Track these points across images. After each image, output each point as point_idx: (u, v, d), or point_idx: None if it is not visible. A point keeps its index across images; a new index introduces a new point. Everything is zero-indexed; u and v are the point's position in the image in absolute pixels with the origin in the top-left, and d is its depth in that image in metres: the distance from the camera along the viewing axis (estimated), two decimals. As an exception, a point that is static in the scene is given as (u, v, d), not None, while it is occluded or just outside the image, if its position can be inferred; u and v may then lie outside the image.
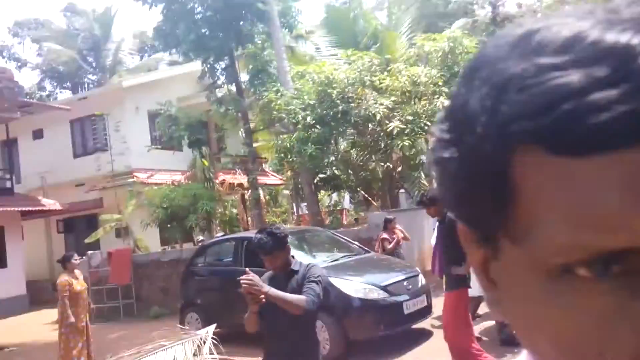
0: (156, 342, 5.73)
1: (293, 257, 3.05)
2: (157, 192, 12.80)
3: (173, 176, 15.72)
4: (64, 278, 7.13)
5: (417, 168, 14.15)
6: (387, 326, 6.19)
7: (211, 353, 5.63)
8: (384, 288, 6.31)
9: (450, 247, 5.00)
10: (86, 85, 28.06)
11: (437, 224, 5.29)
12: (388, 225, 8.22)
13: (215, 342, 5.75)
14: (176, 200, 12.05)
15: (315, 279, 2.89)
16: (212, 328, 6.07)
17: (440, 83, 10.82)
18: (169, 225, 12.91)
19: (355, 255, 7.61)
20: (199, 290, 8.10)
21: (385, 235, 8.13)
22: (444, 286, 5.24)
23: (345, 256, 7.49)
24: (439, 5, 24.97)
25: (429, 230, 9.28)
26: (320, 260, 7.22)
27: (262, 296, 2.69)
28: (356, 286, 6.30)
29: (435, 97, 10.72)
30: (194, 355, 5.51)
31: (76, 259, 7.48)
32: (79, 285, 7.31)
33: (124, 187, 14.07)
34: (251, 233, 8.53)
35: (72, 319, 6.99)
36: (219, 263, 8.21)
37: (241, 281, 2.66)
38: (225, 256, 8.29)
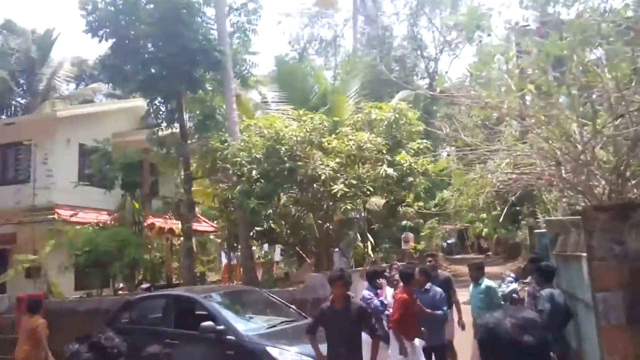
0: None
1: None
2: (80, 234, 11.91)
3: (99, 216, 14.78)
4: (42, 320, 7.97)
5: (351, 226, 14.31)
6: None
7: None
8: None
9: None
10: (13, 108, 26.19)
11: None
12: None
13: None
14: (101, 244, 11.22)
15: None
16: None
17: (384, 151, 11.14)
18: (87, 270, 11.96)
19: (293, 321, 7.37)
20: (119, 349, 7.47)
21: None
22: None
23: (283, 322, 7.23)
24: (382, 73, 26.30)
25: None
26: (258, 326, 6.95)
27: None
28: (293, 357, 6.07)
29: (379, 163, 10.99)
30: None
31: None
32: None
33: (43, 224, 12.98)
34: (183, 290, 8.13)
35: None
36: (146, 321, 7.64)
37: None
38: (153, 313, 7.75)
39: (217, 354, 6.45)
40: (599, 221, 3.82)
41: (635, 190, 4.25)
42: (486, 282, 6.94)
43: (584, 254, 4.08)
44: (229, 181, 11.62)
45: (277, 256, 23.14)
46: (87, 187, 15.16)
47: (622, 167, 4.10)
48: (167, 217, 16.49)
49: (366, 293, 5.82)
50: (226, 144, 11.34)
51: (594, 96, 4.84)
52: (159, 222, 16.41)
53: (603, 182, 4.37)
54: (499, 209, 7.19)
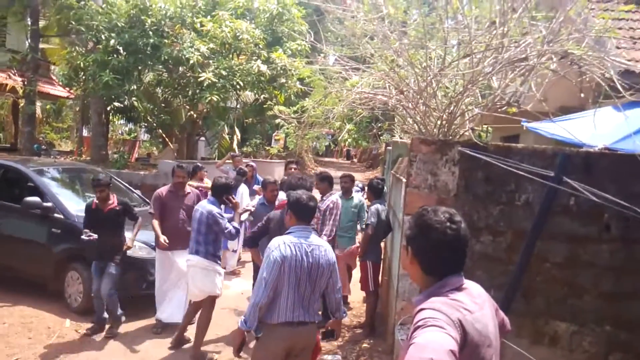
0: None
1: None
2: None
3: None
4: None
5: (224, 115, 13.91)
6: (150, 285, 6.02)
7: None
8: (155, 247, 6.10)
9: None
10: None
11: None
12: (197, 173, 7.54)
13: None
14: None
15: None
16: None
17: (261, 45, 10.68)
18: None
19: (134, 206, 7.15)
20: None
21: (192, 183, 7.62)
22: None
23: (121, 206, 6.98)
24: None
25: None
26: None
27: None
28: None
29: (253, 58, 10.57)
30: None
31: None
32: None
33: None
34: (11, 160, 7.35)
35: None
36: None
37: None
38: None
39: (43, 231, 6.11)
40: (421, 152, 4.10)
41: (460, 130, 4.60)
42: (358, 196, 6.57)
43: (404, 179, 4.42)
44: (84, 46, 10.38)
45: (143, 135, 22.09)
46: None
47: (452, 106, 4.37)
48: (13, 73, 14.55)
49: (215, 210, 4.93)
50: (82, 3, 9.91)
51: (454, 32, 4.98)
52: (1, 77, 14.44)
53: (437, 116, 4.64)
54: (349, 123, 7.36)
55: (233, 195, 5.34)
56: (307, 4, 16.15)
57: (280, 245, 3.11)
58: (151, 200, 5.52)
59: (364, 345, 4.85)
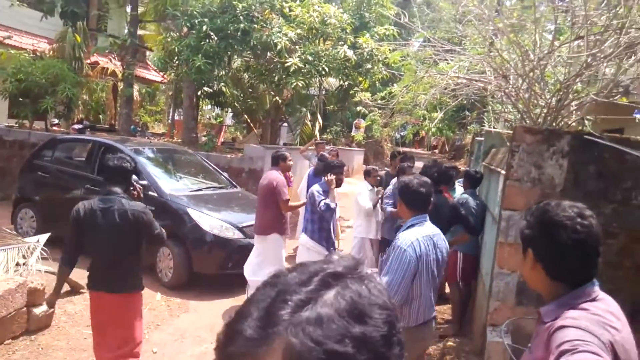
0: (-28, 243, 5.11)
1: None
2: (13, 59, 10.95)
3: (37, 43, 13.64)
4: None
5: (304, 102, 13.99)
6: (235, 265, 6.18)
7: (39, 263, 5.19)
8: (241, 229, 6.24)
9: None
10: None
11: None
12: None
13: (45, 253, 5.30)
14: (32, 75, 10.40)
15: None
16: (44, 238, 5.56)
17: (348, 30, 10.52)
18: (20, 99, 11.23)
19: (221, 188, 7.38)
20: (39, 186, 7.30)
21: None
22: None
23: (210, 187, 7.23)
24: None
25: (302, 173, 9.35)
26: (184, 187, 6.91)
27: None
28: (213, 222, 6.15)
29: (340, 43, 10.44)
30: (17, 264, 5.03)
31: None
32: None
33: (-29, 41, 11.84)
34: (111, 139, 7.82)
35: None
36: (68, 162, 7.42)
37: None
38: (77, 156, 7.52)
39: (138, 207, 6.43)
40: (525, 143, 3.79)
41: (568, 120, 4.20)
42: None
43: (504, 172, 4.12)
44: (179, 32, 10.79)
45: (229, 119, 22.85)
46: (25, 9, 13.72)
47: (562, 92, 3.99)
48: (113, 57, 15.55)
49: (315, 188, 5.14)
50: (178, -13, 10.29)
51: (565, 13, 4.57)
52: (103, 61, 15.46)
53: (542, 104, 4.27)
54: (439, 111, 7.03)
55: (329, 175, 5.30)
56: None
57: (413, 243, 2.78)
58: (280, 188, 5.28)
59: (449, 343, 4.64)
